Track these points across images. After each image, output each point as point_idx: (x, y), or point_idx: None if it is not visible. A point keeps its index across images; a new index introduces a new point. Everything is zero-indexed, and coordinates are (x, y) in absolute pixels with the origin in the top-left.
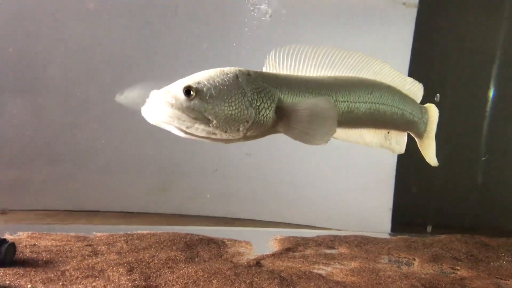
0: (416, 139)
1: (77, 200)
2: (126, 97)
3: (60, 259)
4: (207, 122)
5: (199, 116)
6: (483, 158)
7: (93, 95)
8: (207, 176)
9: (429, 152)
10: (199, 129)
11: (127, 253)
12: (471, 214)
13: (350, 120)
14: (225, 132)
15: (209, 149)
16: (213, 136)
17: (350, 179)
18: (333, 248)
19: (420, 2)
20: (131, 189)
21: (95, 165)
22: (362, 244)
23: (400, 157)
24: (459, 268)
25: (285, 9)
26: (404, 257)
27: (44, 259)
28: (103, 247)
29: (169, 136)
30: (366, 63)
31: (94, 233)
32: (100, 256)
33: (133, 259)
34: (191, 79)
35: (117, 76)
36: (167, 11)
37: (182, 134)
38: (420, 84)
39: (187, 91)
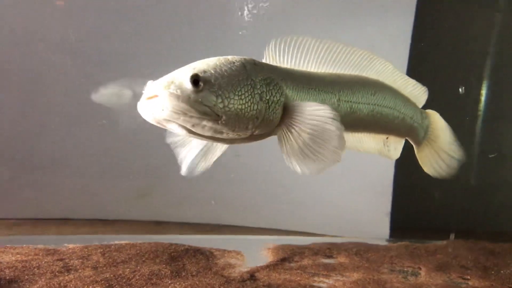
0: (414, 146)
1: (46, 207)
2: (102, 95)
3: (27, 277)
4: (216, 118)
5: (207, 111)
6: (490, 156)
7: (62, 96)
8: (191, 179)
9: (428, 162)
10: (207, 127)
11: (104, 268)
12: (471, 218)
13: (352, 122)
14: (233, 130)
15: None
16: (219, 136)
17: (345, 182)
18: (331, 257)
19: None
20: (106, 194)
21: (66, 169)
22: (361, 252)
23: (398, 158)
24: (469, 277)
25: None
26: (409, 266)
27: (8, 277)
28: (76, 262)
29: (149, 135)
30: (369, 62)
31: (66, 244)
32: (73, 272)
33: (111, 275)
34: (196, 68)
35: (88, 74)
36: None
37: (184, 134)
38: (424, 87)
39: (195, 81)
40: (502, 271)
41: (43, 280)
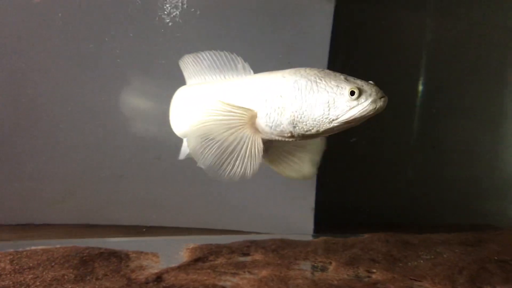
0: None
1: None
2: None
3: None
4: None
5: None
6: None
7: None
8: (113, 182)
9: None
10: None
11: (7, 276)
12: (397, 211)
13: None
14: None
15: (112, 153)
16: None
17: (269, 178)
18: (248, 255)
19: None
20: (28, 198)
21: None
22: (279, 248)
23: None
24: (375, 270)
25: (202, 2)
26: (321, 261)
27: None
28: None
29: (69, 138)
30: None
31: None
32: None
33: (10, 283)
34: None
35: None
36: None
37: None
38: None
39: None
40: (409, 263)
41: None
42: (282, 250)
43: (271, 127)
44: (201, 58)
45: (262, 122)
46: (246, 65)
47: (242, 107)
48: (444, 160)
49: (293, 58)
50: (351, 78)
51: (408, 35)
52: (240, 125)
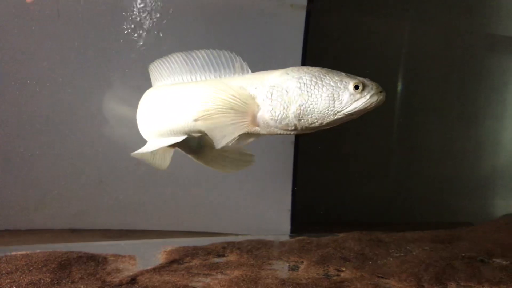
0: None
1: None
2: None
3: None
4: None
5: None
6: None
7: None
8: (93, 187)
9: None
10: None
11: None
12: (374, 211)
13: None
14: None
15: (92, 159)
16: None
17: (247, 181)
18: (223, 256)
19: (308, 4)
20: (10, 204)
21: None
22: (254, 249)
23: (296, 157)
24: (344, 269)
25: (173, 10)
26: (293, 261)
27: None
28: None
29: (50, 143)
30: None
31: None
32: None
33: None
34: None
35: None
36: None
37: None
38: None
39: None
40: (379, 261)
41: None
42: (257, 250)
43: (276, 121)
44: (194, 56)
45: (267, 116)
46: (245, 64)
47: (248, 93)
48: (422, 159)
49: (266, 65)
50: (351, 75)
51: (385, 40)
52: (242, 112)
